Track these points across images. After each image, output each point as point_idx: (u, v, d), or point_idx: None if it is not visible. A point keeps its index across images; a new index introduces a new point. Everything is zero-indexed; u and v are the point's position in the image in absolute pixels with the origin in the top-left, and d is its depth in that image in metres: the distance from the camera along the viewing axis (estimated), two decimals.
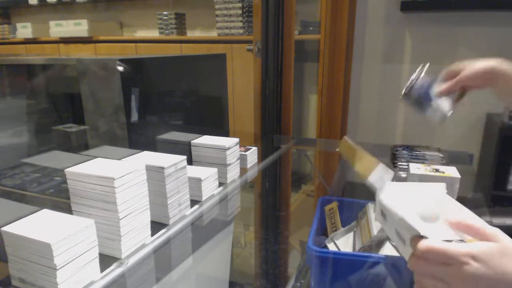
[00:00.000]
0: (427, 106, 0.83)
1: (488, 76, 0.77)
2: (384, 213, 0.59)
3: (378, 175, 0.48)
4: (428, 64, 0.86)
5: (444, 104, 0.83)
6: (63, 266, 0.55)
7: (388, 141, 1.89)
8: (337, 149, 0.65)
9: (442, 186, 0.57)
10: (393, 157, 1.23)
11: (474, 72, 0.78)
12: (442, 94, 0.83)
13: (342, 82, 1.75)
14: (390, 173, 0.51)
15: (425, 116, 0.84)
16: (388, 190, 0.59)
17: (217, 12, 2.44)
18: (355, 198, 0.88)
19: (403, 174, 1.18)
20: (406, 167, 1.19)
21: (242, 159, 1.13)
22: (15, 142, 1.12)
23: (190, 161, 1.05)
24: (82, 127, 1.03)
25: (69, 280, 0.56)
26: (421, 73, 0.85)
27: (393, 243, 0.67)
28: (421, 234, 0.45)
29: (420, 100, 0.83)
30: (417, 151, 1.21)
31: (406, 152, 1.21)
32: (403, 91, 0.84)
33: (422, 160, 1.20)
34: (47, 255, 0.53)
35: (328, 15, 1.70)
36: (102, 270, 0.62)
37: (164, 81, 1.03)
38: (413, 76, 0.85)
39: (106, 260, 0.65)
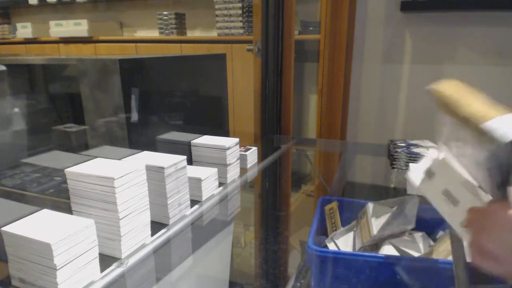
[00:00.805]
0: None
1: None
2: (432, 171, 0.56)
3: (505, 122, 0.39)
4: None
5: None
6: (63, 266, 0.55)
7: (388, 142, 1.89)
8: (431, 86, 0.53)
9: None
10: (392, 158, 1.23)
11: None
12: None
13: (342, 82, 1.75)
14: None
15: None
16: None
17: (217, 12, 2.44)
18: (355, 198, 0.88)
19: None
20: (405, 168, 1.20)
21: (242, 159, 1.13)
22: (15, 142, 1.12)
23: (190, 161, 1.05)
24: (82, 127, 1.03)
25: (69, 280, 0.56)
26: None
27: (435, 204, 0.57)
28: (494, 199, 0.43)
29: None
30: (416, 152, 1.21)
31: (404, 152, 1.21)
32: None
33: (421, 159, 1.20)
34: (47, 255, 0.53)
35: (328, 15, 1.70)
36: (102, 270, 0.62)
37: (164, 81, 1.03)
38: None
39: (106, 260, 0.65)
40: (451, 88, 0.50)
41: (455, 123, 0.48)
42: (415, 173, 0.61)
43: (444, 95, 0.49)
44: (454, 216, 0.47)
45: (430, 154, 0.59)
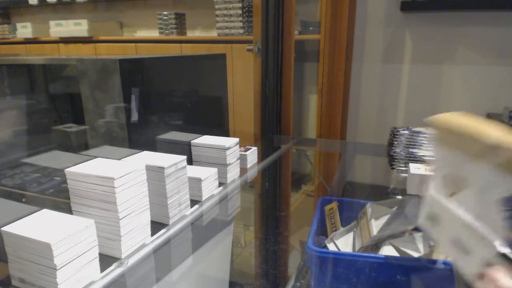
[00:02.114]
0: None
1: None
2: (436, 217, 0.51)
3: None
4: None
5: None
6: (63, 266, 0.55)
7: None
8: (431, 119, 0.47)
9: None
10: (390, 159, 1.23)
11: None
12: None
13: (342, 82, 1.75)
14: None
15: None
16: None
17: (217, 12, 2.44)
18: (355, 198, 0.88)
19: (403, 175, 1.18)
20: (404, 168, 1.20)
21: (242, 159, 1.13)
22: (15, 142, 1.12)
23: (190, 161, 1.05)
24: (82, 127, 1.03)
25: (69, 280, 0.56)
26: None
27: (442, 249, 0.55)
28: (507, 253, 0.38)
29: None
30: (415, 153, 1.21)
31: (404, 153, 1.21)
32: None
33: (420, 160, 1.20)
34: (47, 255, 0.53)
35: (328, 15, 1.70)
36: (102, 270, 0.62)
37: (164, 81, 1.03)
38: None
39: (106, 260, 0.65)
40: (457, 118, 0.43)
41: (463, 157, 0.42)
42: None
43: (453, 125, 0.42)
44: (467, 266, 0.43)
45: (429, 196, 0.53)
